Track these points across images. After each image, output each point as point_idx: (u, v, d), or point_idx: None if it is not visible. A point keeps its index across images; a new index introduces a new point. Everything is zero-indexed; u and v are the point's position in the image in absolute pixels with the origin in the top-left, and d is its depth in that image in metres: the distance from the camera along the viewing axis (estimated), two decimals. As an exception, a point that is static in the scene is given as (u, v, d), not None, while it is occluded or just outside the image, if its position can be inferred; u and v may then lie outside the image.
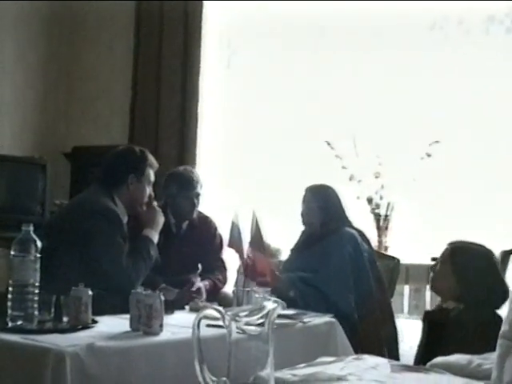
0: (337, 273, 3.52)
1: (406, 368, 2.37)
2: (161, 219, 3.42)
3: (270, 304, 1.52)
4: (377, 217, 4.80)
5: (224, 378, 1.48)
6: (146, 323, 2.48)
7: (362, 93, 4.99)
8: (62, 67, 5.97)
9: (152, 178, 3.45)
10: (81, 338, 2.31)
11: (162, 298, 2.51)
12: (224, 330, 1.48)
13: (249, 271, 3.36)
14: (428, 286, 3.85)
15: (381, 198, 4.80)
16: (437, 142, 4.67)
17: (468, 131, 4.69)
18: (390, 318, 3.68)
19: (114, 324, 2.58)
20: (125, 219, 3.31)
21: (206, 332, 1.61)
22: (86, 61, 5.99)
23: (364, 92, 4.98)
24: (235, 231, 3.36)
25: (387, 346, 3.49)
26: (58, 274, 2.88)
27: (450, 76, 4.80)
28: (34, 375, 2.13)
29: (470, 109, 4.71)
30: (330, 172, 4.80)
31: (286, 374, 2.12)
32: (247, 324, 1.49)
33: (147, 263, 3.24)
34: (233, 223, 3.37)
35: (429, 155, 4.69)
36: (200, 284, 3.82)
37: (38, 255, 2.44)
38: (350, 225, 3.77)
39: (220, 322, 1.49)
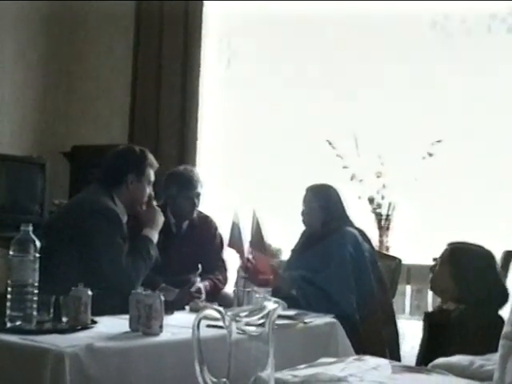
0: (338, 273, 3.52)
1: (408, 369, 2.37)
2: (160, 219, 3.42)
3: (271, 304, 1.51)
4: (378, 217, 4.79)
5: (224, 379, 1.48)
6: (145, 324, 2.47)
7: (363, 92, 4.99)
8: (61, 67, 5.97)
9: (152, 177, 3.45)
10: (80, 338, 2.31)
11: (162, 298, 2.50)
12: (224, 331, 1.48)
13: (249, 271, 3.36)
14: (431, 287, 3.84)
15: (382, 197, 4.80)
16: (438, 141, 4.67)
17: (470, 130, 4.69)
18: (392, 318, 3.68)
19: (113, 324, 2.58)
20: (124, 219, 3.31)
21: (206, 332, 1.61)
22: (86, 60, 5.99)
23: (365, 91, 4.98)
24: (236, 231, 3.36)
25: (388, 347, 3.49)
26: (57, 274, 2.88)
27: (451, 75, 4.80)
28: (32, 376, 2.13)
29: (471, 108, 4.71)
30: (331, 172, 4.80)
31: (286, 374, 2.12)
32: (247, 324, 1.49)
33: (147, 263, 3.24)
34: (233, 223, 3.38)
35: (430, 155, 4.69)
36: (200, 284, 3.82)
37: (37, 255, 2.44)
38: (350, 224, 3.76)
39: (220, 323, 1.49)
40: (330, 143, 4.89)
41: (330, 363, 2.34)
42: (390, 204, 4.78)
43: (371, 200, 4.81)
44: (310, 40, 5.24)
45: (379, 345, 3.44)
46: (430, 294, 4.30)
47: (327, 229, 3.71)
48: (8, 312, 2.40)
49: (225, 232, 3.85)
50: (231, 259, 3.97)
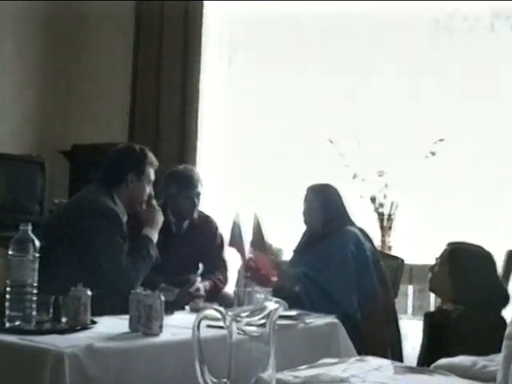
0: (339, 272, 3.52)
1: (410, 369, 2.37)
2: (160, 218, 3.42)
3: (272, 304, 1.52)
4: (380, 216, 4.79)
5: (225, 380, 1.48)
6: (145, 324, 2.48)
7: (365, 90, 4.98)
8: (61, 66, 5.97)
9: (152, 176, 3.45)
10: (80, 338, 2.31)
11: (162, 298, 2.51)
12: (225, 331, 1.48)
13: (251, 270, 3.37)
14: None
15: (384, 196, 4.79)
16: (441, 140, 4.67)
17: (473, 129, 4.68)
18: (394, 318, 3.68)
19: (113, 325, 2.58)
20: (124, 218, 3.31)
21: (206, 333, 1.61)
22: (86, 59, 5.99)
23: (367, 89, 4.98)
24: (236, 231, 3.36)
25: (390, 347, 3.49)
26: (56, 274, 2.89)
27: (454, 73, 4.80)
28: (32, 376, 2.13)
29: (474, 106, 4.70)
30: (333, 171, 4.80)
31: (287, 375, 2.12)
32: (248, 325, 1.49)
33: (147, 263, 3.24)
34: (234, 223, 3.37)
35: (433, 153, 4.68)
36: (199, 284, 3.82)
37: (37, 255, 2.44)
38: (352, 224, 3.77)
39: (221, 323, 1.49)
40: (332, 142, 4.89)
41: (332, 364, 2.34)
42: (392, 203, 4.78)
43: (373, 199, 4.81)
44: (311, 38, 5.24)
45: (381, 345, 3.44)
46: (433, 294, 4.31)
47: (328, 228, 3.71)
48: (7, 312, 2.40)
49: (225, 232, 3.85)
50: (232, 259, 3.97)
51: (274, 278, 3.48)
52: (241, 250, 3.39)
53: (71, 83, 6.02)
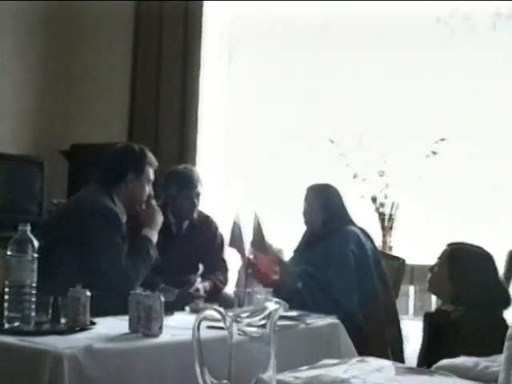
0: (340, 272, 3.53)
1: (411, 370, 2.37)
2: (160, 218, 3.42)
3: (272, 305, 1.51)
4: (381, 216, 4.79)
5: (225, 381, 1.48)
6: (145, 325, 2.47)
7: (366, 90, 4.98)
8: (60, 66, 5.97)
9: (151, 176, 3.45)
10: (79, 339, 2.31)
11: (162, 299, 2.50)
12: (225, 332, 1.48)
13: (251, 271, 3.36)
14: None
15: (385, 196, 4.79)
16: (442, 139, 4.67)
17: (474, 128, 4.68)
18: (395, 318, 3.68)
19: (112, 326, 2.57)
20: (124, 218, 3.31)
21: (206, 334, 1.61)
22: (85, 59, 5.99)
23: (368, 89, 4.98)
24: (236, 231, 3.35)
25: (392, 347, 3.49)
26: (55, 275, 2.88)
27: (455, 73, 4.80)
28: (31, 378, 2.13)
29: (476, 106, 4.70)
30: (334, 170, 4.80)
31: (288, 376, 2.11)
32: (249, 325, 1.49)
33: (147, 263, 3.24)
34: (234, 223, 3.37)
35: (434, 153, 4.68)
36: (199, 285, 3.82)
37: (35, 255, 2.44)
38: (352, 223, 3.77)
39: (221, 324, 1.49)
40: (332, 141, 4.89)
41: (333, 365, 2.33)
42: (393, 203, 4.78)
43: (374, 199, 4.81)
44: (312, 37, 5.24)
45: (382, 344, 3.44)
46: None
47: (329, 228, 3.71)
48: (6, 313, 2.40)
49: (225, 232, 3.84)
50: (232, 259, 3.97)
51: (275, 278, 3.48)
52: (241, 251, 3.38)
53: (70, 83, 6.02)
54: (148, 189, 3.43)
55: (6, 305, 2.40)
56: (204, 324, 1.52)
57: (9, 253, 2.41)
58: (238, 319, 1.48)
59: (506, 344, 1.97)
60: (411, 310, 4.65)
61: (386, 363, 2.41)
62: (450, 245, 3.31)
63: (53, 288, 2.54)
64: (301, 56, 5.28)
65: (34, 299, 2.43)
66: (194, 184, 4.02)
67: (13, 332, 2.33)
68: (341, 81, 5.13)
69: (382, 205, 4.80)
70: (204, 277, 3.95)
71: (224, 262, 4.11)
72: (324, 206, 3.75)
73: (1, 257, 2.75)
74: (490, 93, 4.67)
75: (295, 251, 3.91)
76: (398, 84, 4.91)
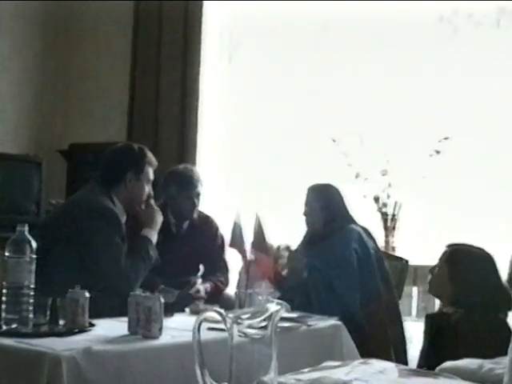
0: (342, 270, 3.53)
1: (414, 373, 2.37)
2: (159, 219, 3.42)
3: (273, 306, 1.51)
4: (384, 216, 4.79)
5: (226, 383, 1.48)
6: (144, 326, 2.47)
7: (368, 89, 4.98)
8: (58, 64, 5.97)
9: (151, 176, 3.45)
10: (77, 341, 2.31)
11: (162, 300, 2.50)
12: (226, 334, 1.48)
13: (252, 272, 3.36)
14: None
15: (388, 196, 4.79)
16: (446, 138, 4.67)
17: (478, 127, 4.67)
18: (398, 318, 3.68)
19: (111, 327, 2.57)
20: (123, 219, 3.31)
21: (206, 335, 1.61)
22: (85, 58, 5.99)
23: (370, 88, 4.97)
24: (237, 231, 3.35)
25: (395, 349, 3.49)
26: (53, 276, 2.88)
27: (459, 71, 4.79)
28: (29, 380, 2.13)
29: (479, 104, 4.70)
30: (335, 170, 4.80)
31: (289, 378, 2.11)
32: (249, 327, 1.49)
33: (146, 264, 3.24)
34: (235, 223, 3.37)
35: (438, 152, 4.68)
36: (200, 286, 3.81)
37: (34, 256, 2.44)
38: (354, 223, 3.77)
39: (221, 325, 1.49)
40: (334, 141, 4.89)
41: (335, 367, 2.33)
42: (396, 203, 4.77)
43: (376, 199, 4.81)
44: (313, 36, 5.23)
45: (384, 345, 3.44)
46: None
47: (330, 228, 3.71)
48: (3, 315, 2.40)
49: (226, 232, 3.84)
50: (233, 260, 3.97)
51: (276, 277, 3.49)
52: (242, 251, 3.38)
53: (69, 82, 6.02)
54: (147, 189, 3.43)
55: (3, 306, 2.40)
56: (204, 325, 1.52)
57: (6, 254, 2.41)
58: (239, 321, 1.48)
59: (511, 346, 1.96)
60: (414, 311, 4.65)
61: (389, 365, 2.41)
62: (449, 246, 3.31)
63: (51, 289, 2.54)
64: (301, 56, 5.27)
65: (32, 301, 2.43)
66: (195, 184, 4.02)
67: (10, 334, 2.33)
68: (342, 80, 5.12)
69: (385, 205, 4.79)
70: (204, 278, 3.94)
71: (225, 262, 4.11)
72: (325, 207, 3.75)
73: (-2, 258, 2.74)
74: (493, 91, 4.67)
75: (296, 251, 3.91)
76: (401, 83, 4.90)
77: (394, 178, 4.77)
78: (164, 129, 5.48)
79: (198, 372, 1.50)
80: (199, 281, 3.87)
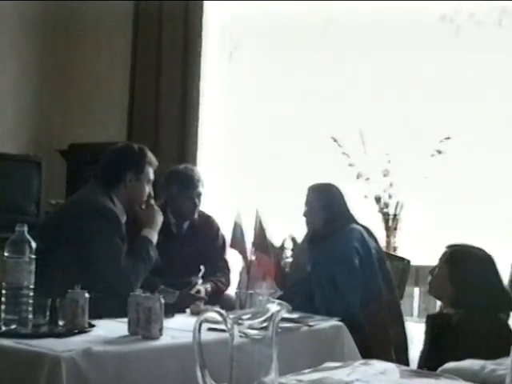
0: (343, 268, 3.53)
1: (416, 373, 2.36)
2: (160, 219, 3.42)
3: (274, 307, 1.51)
4: (385, 216, 4.79)
5: (226, 384, 1.48)
6: (144, 327, 2.47)
7: (369, 88, 4.98)
8: (58, 63, 5.98)
9: (151, 176, 3.45)
10: (77, 342, 2.31)
11: (162, 300, 2.50)
12: (226, 334, 1.48)
13: (253, 272, 3.36)
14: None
15: (389, 196, 4.79)
16: (448, 138, 4.66)
17: (480, 127, 4.67)
18: (399, 319, 3.68)
19: (111, 328, 2.58)
20: (123, 219, 3.31)
21: (207, 336, 1.61)
22: (84, 57, 6.00)
23: (372, 87, 4.97)
24: (238, 231, 3.35)
25: (396, 350, 3.49)
26: (53, 276, 2.88)
27: (461, 70, 4.79)
28: (28, 381, 2.13)
29: (481, 104, 4.70)
30: (336, 170, 4.79)
31: (290, 379, 2.11)
32: (250, 327, 1.48)
33: (147, 264, 3.24)
34: (235, 223, 3.37)
35: (439, 152, 4.68)
36: (200, 286, 3.81)
37: (33, 257, 2.44)
38: (355, 222, 3.76)
39: (222, 326, 1.49)
40: (336, 140, 4.88)
41: (336, 368, 2.33)
42: (397, 203, 4.77)
43: (378, 199, 4.80)
44: (314, 35, 5.23)
45: (385, 345, 3.44)
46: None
47: (331, 228, 3.71)
48: (3, 315, 2.40)
49: (227, 232, 3.84)
50: (234, 260, 3.96)
51: (280, 273, 3.50)
52: (243, 251, 3.38)
53: (69, 82, 6.03)
54: (148, 189, 3.44)
55: (2, 307, 2.40)
56: (205, 326, 1.52)
57: (6, 254, 2.41)
58: (240, 321, 1.47)
59: (514, 346, 1.96)
60: (416, 311, 4.65)
61: (390, 366, 2.40)
62: (449, 246, 3.31)
63: (51, 290, 2.54)
64: (302, 55, 5.27)
65: (31, 301, 2.43)
66: (195, 184, 4.02)
67: (10, 335, 2.33)
68: (343, 79, 5.12)
69: (386, 205, 4.79)
70: (205, 278, 3.94)
71: (226, 262, 4.11)
72: (325, 206, 3.75)
73: (-2, 258, 2.74)
74: (495, 91, 4.66)
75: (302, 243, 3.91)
76: (402, 82, 4.90)
77: (395, 178, 4.77)
78: (164, 128, 5.49)
79: (199, 373, 1.50)
80: (200, 281, 3.87)
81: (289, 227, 4.37)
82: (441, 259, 3.30)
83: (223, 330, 1.50)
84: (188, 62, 5.45)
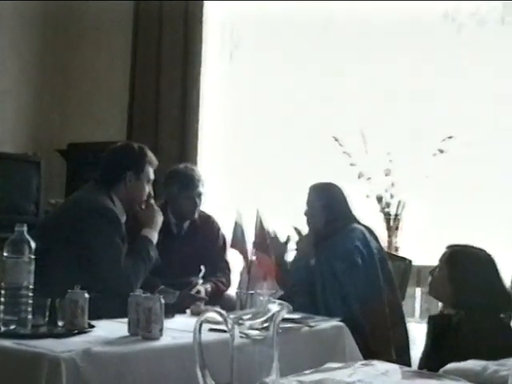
0: (347, 265, 3.54)
1: (418, 374, 2.36)
2: (160, 219, 3.42)
3: (275, 307, 1.51)
4: (387, 216, 4.78)
5: (227, 385, 1.48)
6: (145, 327, 2.47)
7: (371, 87, 4.97)
8: (58, 62, 5.98)
9: (151, 175, 3.45)
10: (77, 343, 2.31)
11: (162, 301, 2.50)
12: (227, 335, 1.48)
13: (254, 272, 3.36)
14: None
15: (391, 196, 4.79)
16: (450, 137, 4.66)
17: (483, 126, 4.67)
18: (401, 320, 3.68)
19: (111, 328, 2.57)
20: (123, 218, 3.31)
21: (207, 336, 1.61)
22: (83, 56, 6.00)
23: (373, 86, 4.96)
24: (238, 231, 3.35)
25: (398, 351, 3.49)
26: (53, 277, 2.88)
27: (463, 69, 4.78)
28: (28, 382, 2.13)
29: (484, 103, 4.69)
30: (338, 170, 4.79)
31: (291, 380, 2.11)
32: (251, 328, 1.48)
33: (147, 264, 3.24)
34: (236, 223, 3.37)
35: (441, 151, 4.67)
36: (201, 287, 3.81)
37: (32, 257, 2.43)
38: (357, 222, 3.76)
39: (222, 326, 1.49)
40: (337, 140, 4.88)
41: (337, 368, 2.33)
42: (399, 203, 4.77)
43: (379, 199, 4.80)
44: (316, 34, 5.23)
45: (385, 345, 3.44)
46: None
47: (332, 227, 3.71)
48: (2, 316, 2.40)
49: (227, 232, 3.84)
50: (234, 260, 3.96)
51: (278, 277, 3.49)
52: (243, 251, 3.38)
53: (68, 81, 6.03)
54: (148, 188, 3.44)
55: (1, 307, 2.40)
56: (205, 326, 1.52)
57: (5, 254, 2.41)
58: (240, 321, 1.47)
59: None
60: (417, 312, 4.64)
61: (392, 367, 2.40)
62: (449, 247, 3.31)
63: (50, 290, 2.54)
64: (303, 54, 5.27)
65: (30, 301, 2.42)
66: (196, 184, 4.01)
67: (9, 335, 2.32)
68: (344, 78, 5.12)
69: (388, 204, 4.79)
70: (206, 278, 3.94)
71: (226, 263, 4.11)
72: (326, 206, 3.74)
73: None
74: (498, 90, 4.66)
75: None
76: (404, 81, 4.90)
77: (397, 177, 4.77)
78: (164, 128, 5.49)
79: (199, 373, 1.50)
80: (200, 281, 3.87)
81: (290, 227, 4.38)
82: (440, 260, 3.30)
83: (224, 331, 1.50)
84: (188, 62, 5.45)
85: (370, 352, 3.12)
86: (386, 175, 4.79)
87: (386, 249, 4.27)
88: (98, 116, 5.89)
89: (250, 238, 3.38)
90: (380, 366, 2.39)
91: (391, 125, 4.83)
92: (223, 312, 1.49)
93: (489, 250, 3.25)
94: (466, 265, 3.22)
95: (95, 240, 3.12)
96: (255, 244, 3.39)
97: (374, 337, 3.43)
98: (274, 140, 5.33)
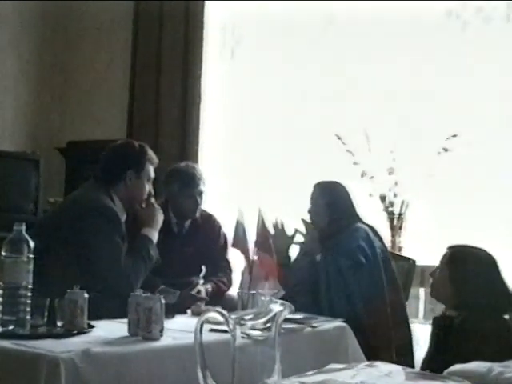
0: (351, 264, 3.54)
1: (422, 376, 2.36)
2: (160, 217, 3.42)
3: (277, 307, 1.51)
4: (390, 215, 4.78)
5: (228, 386, 1.48)
6: (145, 328, 2.47)
7: (374, 85, 4.97)
8: (56, 59, 5.98)
9: (152, 174, 3.45)
10: (76, 343, 2.31)
11: (163, 301, 2.50)
12: (228, 335, 1.48)
13: (255, 272, 3.36)
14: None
15: (394, 195, 4.78)
16: (454, 136, 4.65)
17: (488, 125, 4.66)
18: (404, 320, 3.67)
19: (111, 329, 2.57)
20: (123, 217, 3.30)
21: (208, 337, 1.61)
22: (83, 54, 6.00)
23: (377, 85, 4.96)
24: (240, 230, 3.34)
25: (401, 352, 3.49)
26: (52, 276, 2.88)
27: (468, 67, 4.78)
28: (27, 382, 2.13)
29: (489, 101, 4.69)
30: (341, 168, 4.79)
31: (293, 381, 2.11)
32: (253, 328, 1.48)
33: (147, 264, 3.24)
34: (237, 222, 3.36)
35: (446, 150, 4.67)
36: (201, 287, 3.81)
37: (31, 256, 2.43)
38: (361, 221, 3.76)
39: (224, 327, 1.49)
40: (340, 138, 4.88)
41: (340, 369, 2.32)
42: (402, 202, 4.77)
43: (383, 198, 4.80)
44: (316, 34, 5.23)
45: (387, 346, 3.44)
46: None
47: (336, 226, 3.71)
48: (0, 316, 2.40)
49: (229, 232, 3.84)
50: (236, 260, 3.96)
51: (279, 277, 3.49)
52: (245, 251, 3.38)
53: (68, 81, 6.04)
54: (148, 187, 3.43)
55: (0, 307, 2.40)
56: (206, 327, 1.52)
57: (3, 253, 2.41)
58: (242, 322, 1.47)
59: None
60: (421, 313, 4.64)
61: (396, 368, 2.40)
62: (450, 248, 3.31)
63: (49, 290, 2.54)
64: (305, 53, 5.27)
65: (29, 301, 2.43)
66: (197, 182, 4.01)
67: (7, 336, 2.32)
68: (347, 77, 5.11)
69: (391, 204, 4.78)
70: (207, 278, 3.94)
71: (227, 262, 4.10)
72: (330, 204, 3.75)
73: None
74: (503, 88, 4.65)
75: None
76: (408, 79, 4.89)
77: (400, 176, 4.77)
78: (164, 128, 5.49)
79: (200, 374, 1.50)
80: (201, 281, 3.87)
81: (294, 227, 4.38)
82: (441, 260, 3.30)
83: (225, 331, 1.50)
84: (188, 62, 5.45)
85: (373, 353, 3.12)
86: (390, 174, 4.78)
87: (389, 248, 4.28)
88: (97, 116, 5.90)
89: (251, 237, 3.37)
90: (383, 367, 2.38)
91: (394, 123, 4.82)
92: (224, 312, 1.49)
93: (492, 250, 3.25)
94: (466, 265, 3.22)
95: (95, 239, 3.12)
96: (257, 243, 3.39)
97: (376, 336, 3.44)
98: (275, 139, 5.33)
